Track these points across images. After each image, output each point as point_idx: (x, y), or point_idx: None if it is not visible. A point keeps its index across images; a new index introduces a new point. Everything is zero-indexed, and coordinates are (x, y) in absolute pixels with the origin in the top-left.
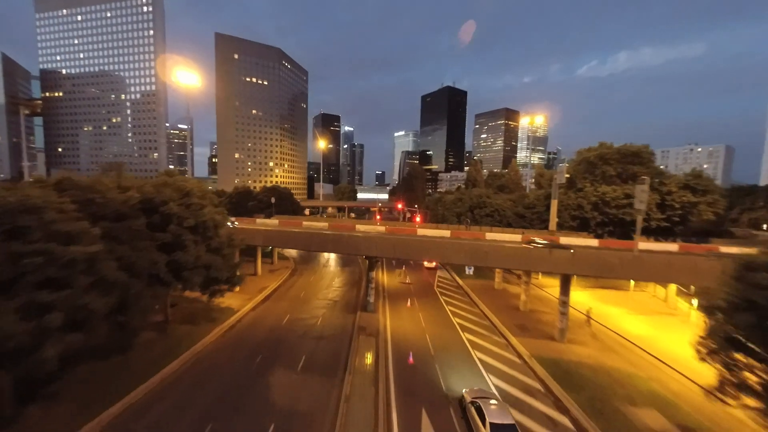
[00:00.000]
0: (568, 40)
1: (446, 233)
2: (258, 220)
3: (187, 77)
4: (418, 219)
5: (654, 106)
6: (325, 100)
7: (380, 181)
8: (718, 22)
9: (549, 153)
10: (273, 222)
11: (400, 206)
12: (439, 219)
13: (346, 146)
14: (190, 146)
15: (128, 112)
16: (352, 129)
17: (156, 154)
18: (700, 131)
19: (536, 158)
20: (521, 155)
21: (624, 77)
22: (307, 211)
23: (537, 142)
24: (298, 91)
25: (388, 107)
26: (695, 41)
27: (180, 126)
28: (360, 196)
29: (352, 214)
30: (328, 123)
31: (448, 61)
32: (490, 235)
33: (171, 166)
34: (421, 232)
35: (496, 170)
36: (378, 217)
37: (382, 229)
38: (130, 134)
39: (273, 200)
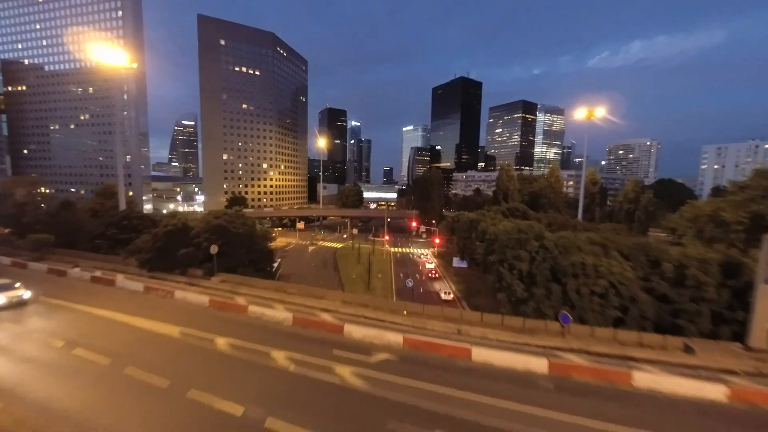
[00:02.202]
0: (579, 30)
1: (539, 365)
2: (177, 292)
3: (110, 56)
4: (437, 241)
5: (670, 97)
6: (332, 95)
7: (388, 178)
8: (738, 9)
9: (564, 148)
10: (200, 300)
11: (414, 224)
12: (475, 258)
13: (353, 142)
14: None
15: (96, 108)
16: (359, 124)
17: (128, 157)
18: (724, 124)
19: (552, 153)
20: (537, 150)
21: (637, 68)
22: (301, 224)
23: (553, 136)
24: (296, 82)
25: (395, 101)
26: (714, 29)
27: (184, 122)
28: (366, 195)
29: (355, 231)
30: (335, 118)
31: (456, 53)
32: (644, 378)
33: (163, 169)
34: (479, 355)
35: (513, 166)
36: (386, 237)
37: (398, 339)
38: (99, 134)
39: (215, 250)
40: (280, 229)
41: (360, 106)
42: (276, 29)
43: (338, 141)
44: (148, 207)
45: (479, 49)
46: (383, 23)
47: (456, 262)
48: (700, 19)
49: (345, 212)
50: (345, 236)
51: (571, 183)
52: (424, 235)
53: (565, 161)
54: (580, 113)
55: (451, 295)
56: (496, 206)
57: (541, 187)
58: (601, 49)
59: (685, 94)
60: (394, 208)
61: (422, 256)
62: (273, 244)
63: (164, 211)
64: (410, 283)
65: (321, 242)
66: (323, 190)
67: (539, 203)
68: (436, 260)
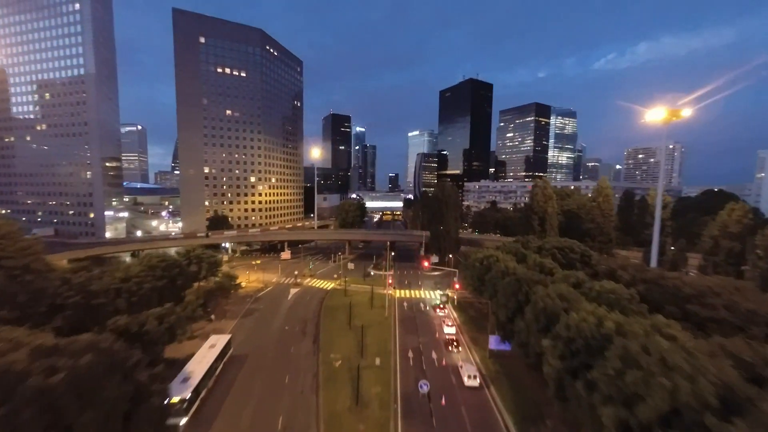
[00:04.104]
0: (584, 33)
1: None
2: None
3: None
4: (457, 286)
5: (679, 99)
6: (336, 100)
7: (393, 184)
8: (746, 8)
9: (576, 151)
10: None
11: (426, 264)
12: (530, 348)
13: (357, 147)
14: None
15: (53, 116)
16: (363, 129)
17: (89, 174)
18: (737, 125)
19: (565, 157)
20: (551, 154)
21: (645, 69)
22: (286, 254)
23: (565, 139)
24: (289, 84)
25: (399, 106)
26: (722, 28)
27: None
28: (370, 204)
29: (351, 265)
30: (339, 123)
31: (460, 57)
32: None
33: (165, 178)
34: None
35: (549, 181)
36: (390, 281)
37: None
38: (55, 146)
39: None
40: (258, 262)
41: (365, 111)
42: (281, 36)
43: (342, 147)
44: (118, 228)
45: (484, 53)
46: (386, 28)
47: (494, 343)
48: (707, 20)
49: (342, 235)
50: (337, 275)
51: None
52: (438, 276)
53: (576, 165)
54: (655, 114)
55: (477, 380)
56: (534, 239)
57: (580, 205)
58: (606, 51)
59: (694, 95)
60: (400, 217)
61: (438, 310)
62: (243, 288)
63: (138, 233)
64: (425, 388)
65: (309, 280)
66: (323, 201)
67: (585, 229)
68: (455, 316)
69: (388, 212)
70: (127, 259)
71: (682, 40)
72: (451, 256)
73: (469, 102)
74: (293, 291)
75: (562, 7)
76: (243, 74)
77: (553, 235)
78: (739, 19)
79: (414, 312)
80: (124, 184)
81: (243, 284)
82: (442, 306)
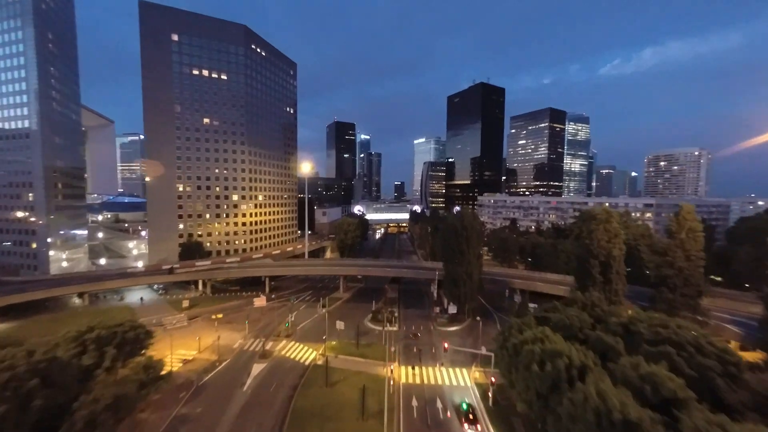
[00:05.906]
0: (589, 39)
1: None
2: None
3: None
4: (492, 379)
5: (688, 103)
6: (341, 108)
7: (399, 193)
8: (754, 12)
9: (589, 158)
10: None
11: (446, 345)
12: None
13: (362, 155)
14: None
15: None
16: (368, 137)
17: (31, 195)
18: (749, 129)
19: (578, 164)
20: (566, 162)
21: (651, 74)
22: (261, 300)
23: (578, 146)
24: (280, 89)
25: (404, 112)
26: (729, 32)
27: None
28: (374, 216)
29: (341, 325)
30: (343, 131)
31: (464, 64)
32: None
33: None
34: None
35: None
36: (391, 366)
37: None
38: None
39: None
40: (219, 316)
41: (369, 118)
42: (287, 46)
43: (347, 155)
44: (78, 256)
45: (488, 60)
46: (390, 36)
47: None
48: (714, 24)
49: (336, 269)
50: (319, 345)
51: (648, 216)
52: (457, 332)
53: (588, 173)
54: None
55: None
56: (601, 298)
57: (638, 235)
58: (612, 57)
59: (703, 99)
60: (406, 230)
61: (467, 425)
62: (187, 366)
63: (102, 262)
64: None
65: (284, 344)
66: (323, 217)
67: (662, 279)
68: None
69: (394, 224)
70: (76, 300)
71: (688, 45)
72: (478, 319)
73: (479, 107)
74: (256, 369)
75: (566, 13)
76: (224, 77)
77: (621, 286)
78: (745, 23)
79: (429, 425)
80: (110, 198)
81: (186, 361)
82: (471, 416)
